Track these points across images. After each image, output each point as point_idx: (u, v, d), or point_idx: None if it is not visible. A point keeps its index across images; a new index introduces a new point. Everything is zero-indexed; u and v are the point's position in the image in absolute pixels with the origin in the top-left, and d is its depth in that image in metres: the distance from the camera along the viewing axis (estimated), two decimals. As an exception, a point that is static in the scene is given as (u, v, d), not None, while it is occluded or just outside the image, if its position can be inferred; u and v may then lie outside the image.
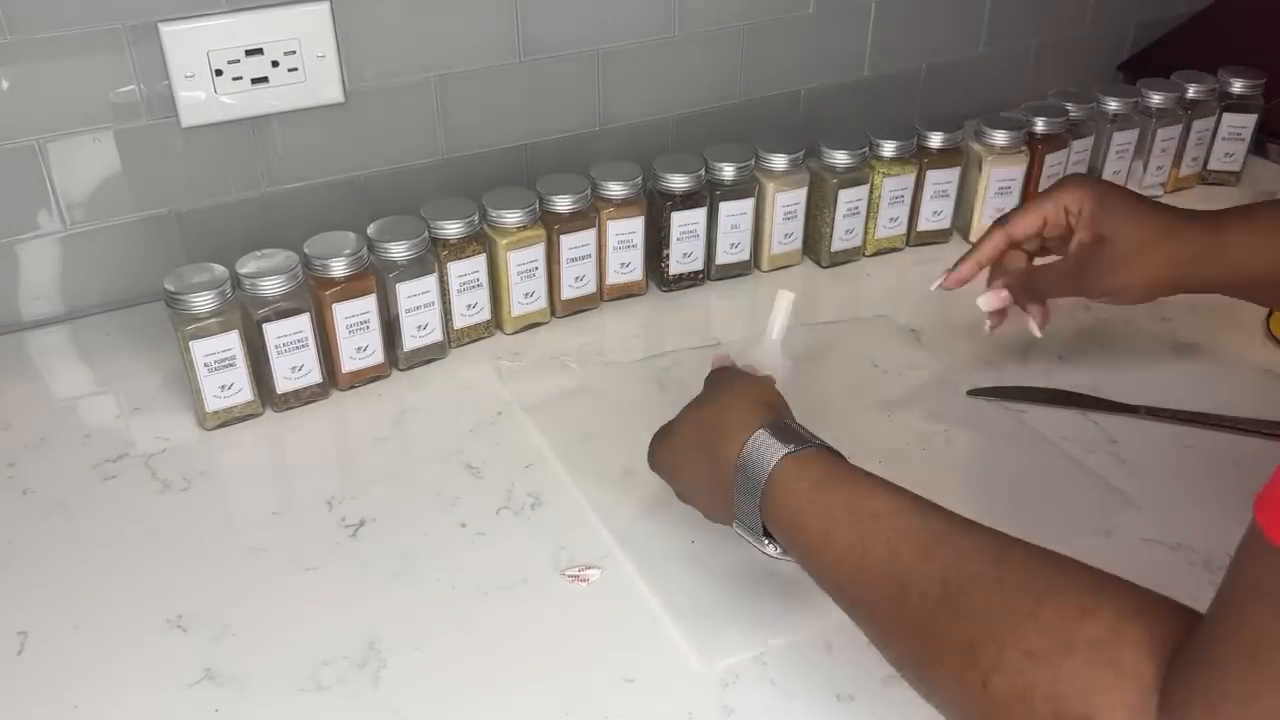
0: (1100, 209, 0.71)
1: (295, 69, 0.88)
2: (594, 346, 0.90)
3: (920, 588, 0.47)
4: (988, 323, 0.79)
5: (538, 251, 0.87)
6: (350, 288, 0.79)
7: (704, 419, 0.62)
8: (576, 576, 0.66)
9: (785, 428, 0.57)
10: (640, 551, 0.68)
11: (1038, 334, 0.76)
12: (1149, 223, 0.70)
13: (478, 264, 0.85)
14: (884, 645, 0.50)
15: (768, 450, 0.56)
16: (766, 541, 0.59)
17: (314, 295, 0.78)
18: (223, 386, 0.77)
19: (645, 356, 0.87)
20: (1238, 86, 1.09)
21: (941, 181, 1.00)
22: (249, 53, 0.86)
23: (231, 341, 0.76)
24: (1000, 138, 0.99)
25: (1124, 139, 1.07)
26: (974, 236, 1.04)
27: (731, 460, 0.57)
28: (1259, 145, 1.16)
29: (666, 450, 0.65)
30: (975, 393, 0.81)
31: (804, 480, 0.55)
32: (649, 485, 0.69)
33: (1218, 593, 0.39)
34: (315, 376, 0.80)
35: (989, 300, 0.76)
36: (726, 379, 0.65)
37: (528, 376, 0.84)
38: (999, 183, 1.01)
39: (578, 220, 0.88)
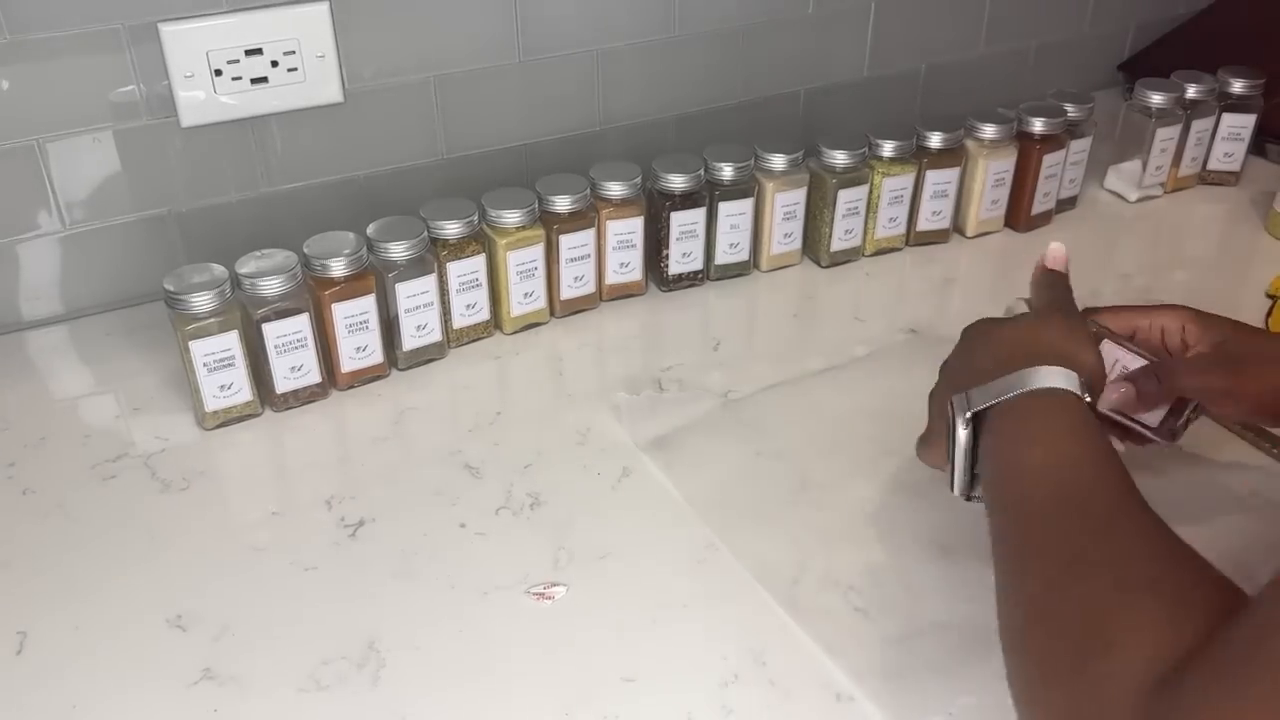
0: (1203, 325, 0.68)
1: (295, 69, 0.88)
2: (593, 347, 0.90)
3: (1089, 508, 0.51)
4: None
5: (537, 251, 0.87)
6: (349, 288, 0.79)
7: (1034, 332, 0.61)
8: (541, 595, 0.65)
9: (1087, 387, 0.58)
10: (641, 551, 0.68)
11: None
12: (1258, 334, 0.69)
13: (477, 264, 0.85)
14: (1022, 546, 0.52)
15: (1059, 379, 0.56)
16: (965, 423, 0.58)
17: (313, 295, 0.78)
18: (222, 386, 0.77)
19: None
20: (1237, 87, 1.09)
21: (941, 181, 1.00)
22: (248, 53, 0.86)
23: (231, 341, 0.76)
24: (990, 131, 0.99)
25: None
26: (970, 232, 1.05)
27: (1021, 366, 0.57)
28: (1258, 145, 1.16)
29: (986, 326, 0.65)
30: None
31: (1065, 403, 0.56)
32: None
33: (1246, 608, 0.42)
34: (314, 376, 0.80)
35: (1111, 401, 0.66)
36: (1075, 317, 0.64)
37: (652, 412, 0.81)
38: (994, 175, 1.01)
39: (577, 220, 0.88)
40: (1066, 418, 0.56)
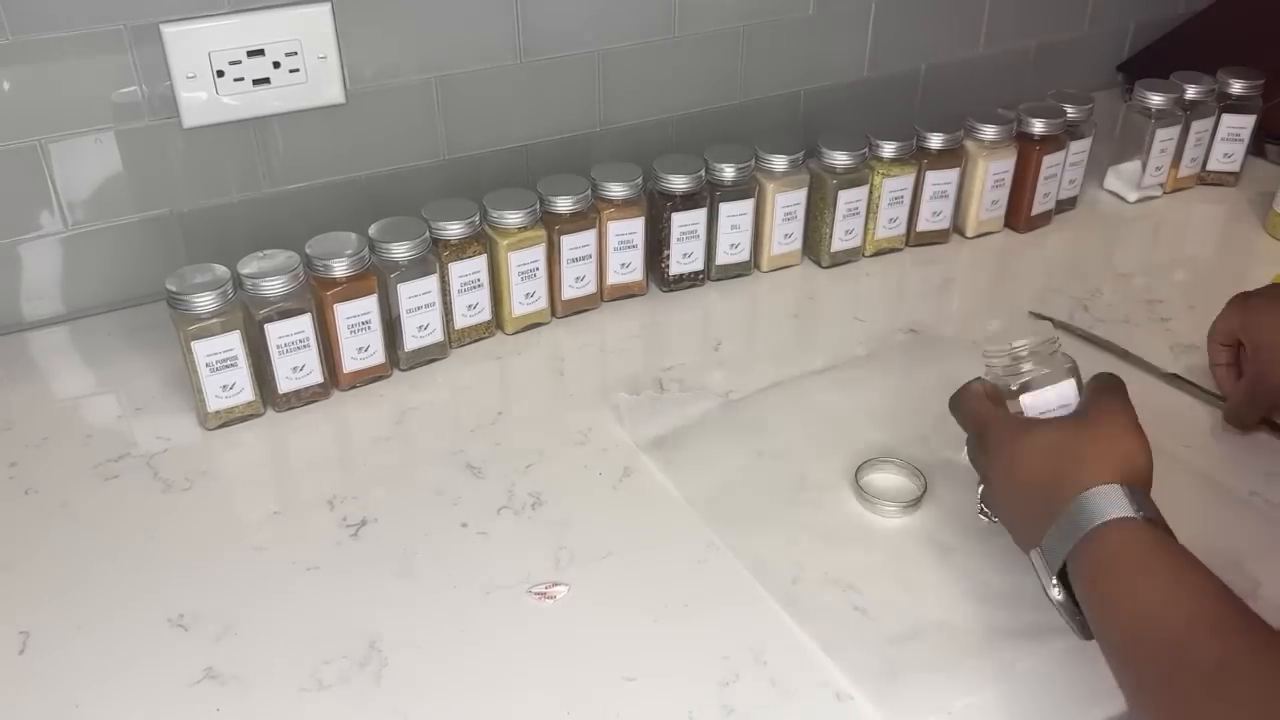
0: (1251, 325, 0.74)
1: (297, 70, 0.88)
2: (594, 347, 0.90)
3: (1196, 659, 0.48)
4: None
5: (538, 252, 0.87)
6: (351, 288, 0.79)
7: (1062, 438, 0.59)
8: (543, 594, 0.65)
9: (1140, 492, 0.56)
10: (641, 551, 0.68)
11: None
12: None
13: (478, 264, 0.85)
14: (1148, 710, 0.50)
15: (1110, 505, 0.55)
16: (1055, 583, 0.56)
17: (315, 295, 0.79)
18: (224, 386, 0.77)
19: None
20: (1237, 87, 1.10)
21: (941, 182, 1.00)
22: (250, 54, 0.87)
23: (233, 342, 0.76)
24: (990, 131, 1.00)
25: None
26: (970, 233, 1.05)
27: (1070, 494, 0.56)
28: (1258, 146, 1.16)
29: (1009, 450, 0.61)
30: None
31: (1124, 537, 0.54)
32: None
33: None
34: (317, 377, 0.81)
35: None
36: (1119, 407, 0.61)
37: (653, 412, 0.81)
38: (994, 176, 1.01)
39: (578, 221, 0.88)
40: (1132, 560, 0.53)
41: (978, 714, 0.58)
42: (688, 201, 0.92)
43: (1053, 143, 1.02)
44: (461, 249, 0.84)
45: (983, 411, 0.65)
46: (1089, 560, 0.54)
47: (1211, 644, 0.48)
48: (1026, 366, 0.66)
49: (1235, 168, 1.14)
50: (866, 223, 1.00)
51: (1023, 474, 0.60)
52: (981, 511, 0.66)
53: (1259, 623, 0.49)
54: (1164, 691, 0.48)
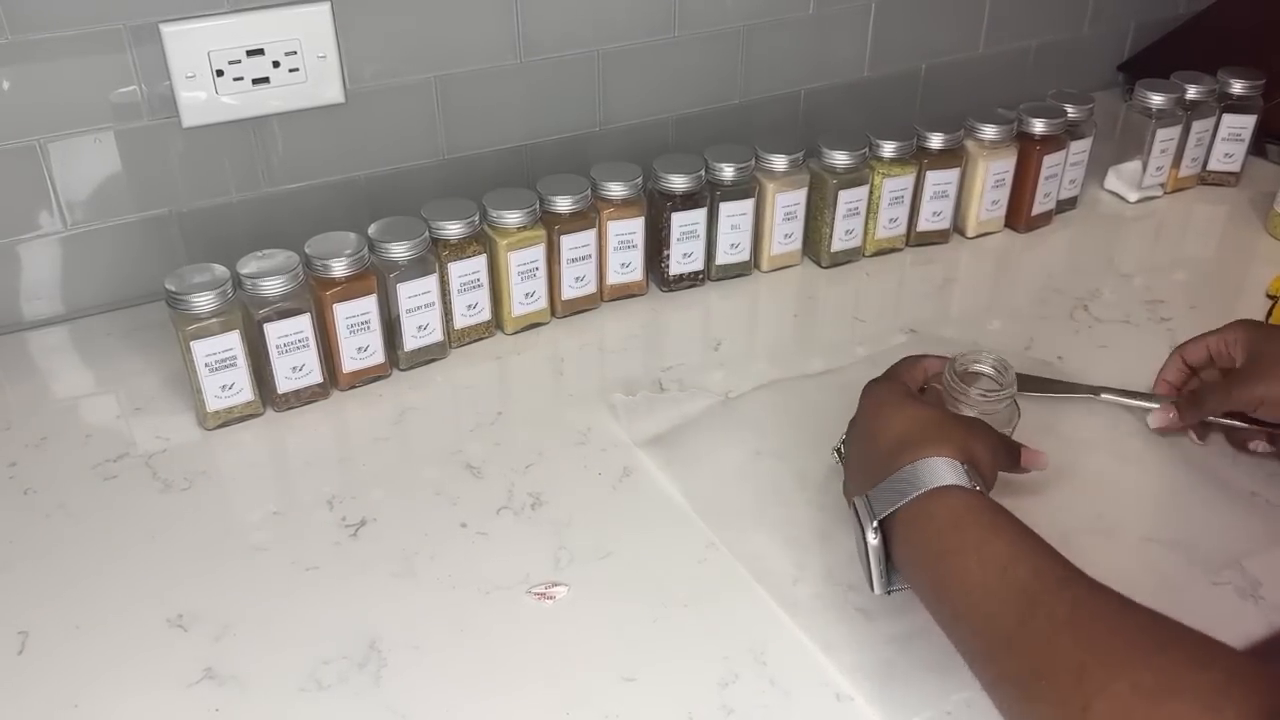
0: (1255, 335, 0.75)
1: (296, 69, 0.88)
2: (594, 347, 0.90)
3: (1050, 608, 0.50)
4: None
5: (538, 252, 0.87)
6: (351, 288, 0.79)
7: (925, 416, 0.62)
8: (542, 595, 0.65)
9: (979, 477, 0.59)
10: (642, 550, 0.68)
11: (1198, 443, 0.77)
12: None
13: (478, 264, 0.85)
14: (992, 658, 0.51)
15: (947, 473, 0.58)
16: (874, 532, 0.59)
17: (315, 295, 0.79)
18: (223, 386, 0.77)
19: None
20: (1237, 87, 1.10)
21: (941, 182, 1.00)
22: (250, 53, 0.86)
23: (232, 341, 0.76)
24: (990, 131, 1.00)
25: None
26: (971, 233, 1.05)
27: (915, 457, 0.59)
28: (1258, 146, 1.16)
29: (876, 405, 0.66)
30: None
31: (967, 502, 0.57)
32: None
33: None
34: (316, 376, 0.81)
35: (1155, 419, 0.77)
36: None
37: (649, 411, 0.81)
38: (995, 176, 1.01)
39: (578, 220, 0.88)
40: (975, 517, 0.56)
41: (978, 714, 0.58)
42: (688, 201, 0.92)
43: (1053, 143, 1.02)
44: (461, 249, 0.84)
45: (900, 372, 0.70)
46: (927, 516, 0.57)
47: (1062, 592, 0.50)
48: (975, 403, 0.71)
49: (1236, 168, 1.14)
50: (866, 223, 1.00)
51: (880, 427, 0.63)
52: (835, 450, 0.71)
53: (1086, 576, 0.51)
54: (1021, 637, 0.50)
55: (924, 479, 0.58)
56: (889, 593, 0.60)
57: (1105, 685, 0.45)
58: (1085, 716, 0.45)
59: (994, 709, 0.58)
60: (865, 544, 0.59)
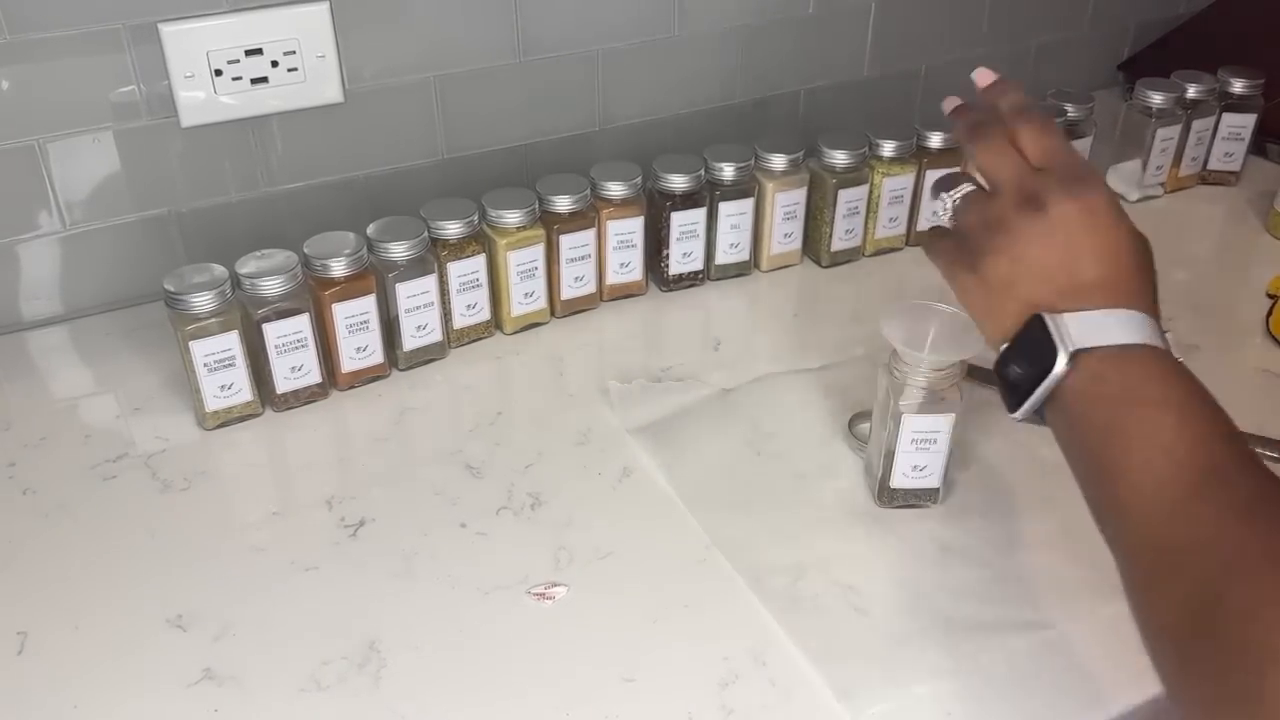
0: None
1: (295, 69, 0.88)
2: (593, 346, 0.90)
3: (1236, 488, 0.46)
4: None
5: (537, 251, 0.87)
6: (350, 288, 0.79)
7: (1141, 249, 0.54)
8: (542, 595, 0.65)
9: (1153, 322, 0.53)
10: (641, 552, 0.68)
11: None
12: None
13: (477, 264, 0.85)
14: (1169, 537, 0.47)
15: (1148, 332, 0.52)
16: (1065, 361, 0.52)
17: (314, 295, 0.78)
18: (222, 386, 0.77)
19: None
20: (1237, 86, 1.09)
21: (941, 181, 1.00)
22: (249, 53, 0.86)
23: (231, 341, 0.76)
24: None
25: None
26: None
27: (1107, 303, 0.52)
28: (1258, 145, 1.16)
29: (1102, 212, 0.55)
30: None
31: (1173, 369, 0.51)
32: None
33: None
34: (315, 376, 0.80)
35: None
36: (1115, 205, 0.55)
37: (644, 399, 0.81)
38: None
39: (577, 220, 0.88)
40: (1181, 385, 0.51)
41: (977, 714, 0.58)
42: (687, 201, 0.92)
43: (1053, 142, 1.02)
44: (460, 248, 0.84)
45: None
46: (1112, 369, 0.51)
47: (1244, 478, 0.47)
48: (921, 387, 0.67)
49: (1236, 167, 1.14)
50: (866, 222, 1.00)
51: (1083, 262, 0.54)
52: (949, 206, 0.62)
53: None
54: (1206, 515, 0.46)
55: (1124, 329, 0.51)
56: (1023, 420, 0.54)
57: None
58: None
59: (990, 704, 0.58)
60: (1031, 365, 0.52)
